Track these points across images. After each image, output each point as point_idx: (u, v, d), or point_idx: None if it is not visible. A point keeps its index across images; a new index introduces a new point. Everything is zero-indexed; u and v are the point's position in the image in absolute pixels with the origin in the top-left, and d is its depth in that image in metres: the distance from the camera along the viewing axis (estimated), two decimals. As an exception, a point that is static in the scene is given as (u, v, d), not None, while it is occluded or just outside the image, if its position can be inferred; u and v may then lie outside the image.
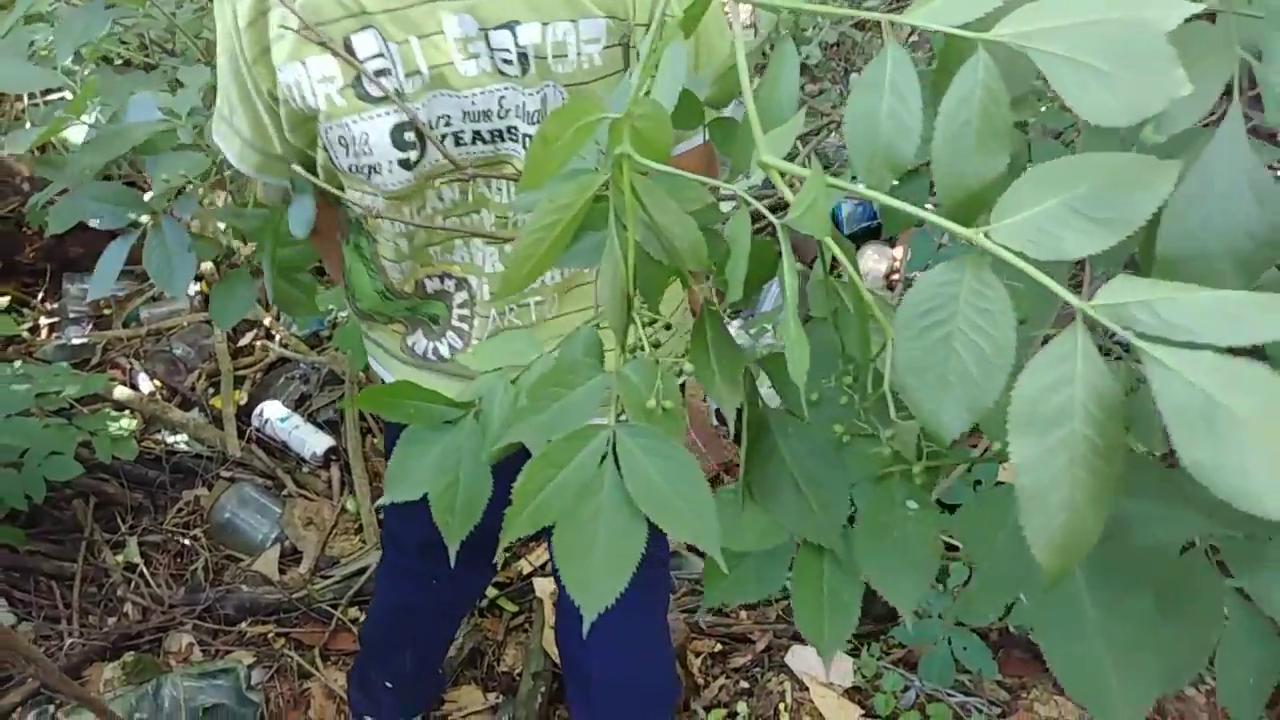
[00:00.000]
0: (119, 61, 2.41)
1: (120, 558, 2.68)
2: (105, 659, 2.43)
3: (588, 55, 1.23)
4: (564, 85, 1.24)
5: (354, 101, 1.23)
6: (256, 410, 2.99)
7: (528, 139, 1.26)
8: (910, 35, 3.61)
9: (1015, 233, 0.57)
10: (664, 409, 0.70)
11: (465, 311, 1.47)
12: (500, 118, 1.27)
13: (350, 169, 1.30)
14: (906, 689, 2.20)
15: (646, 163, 0.69)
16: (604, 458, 0.68)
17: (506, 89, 1.25)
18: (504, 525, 0.68)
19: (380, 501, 0.87)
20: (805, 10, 0.69)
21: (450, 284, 1.46)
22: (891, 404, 0.64)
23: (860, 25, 4.06)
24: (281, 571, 2.65)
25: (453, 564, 0.88)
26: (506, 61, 1.23)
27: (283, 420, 2.94)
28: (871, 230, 3.34)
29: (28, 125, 2.87)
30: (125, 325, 3.28)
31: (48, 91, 2.82)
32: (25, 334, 3.21)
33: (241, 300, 1.75)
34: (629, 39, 1.24)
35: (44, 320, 3.32)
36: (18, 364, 2.63)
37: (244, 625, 2.51)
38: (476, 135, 1.28)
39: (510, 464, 0.78)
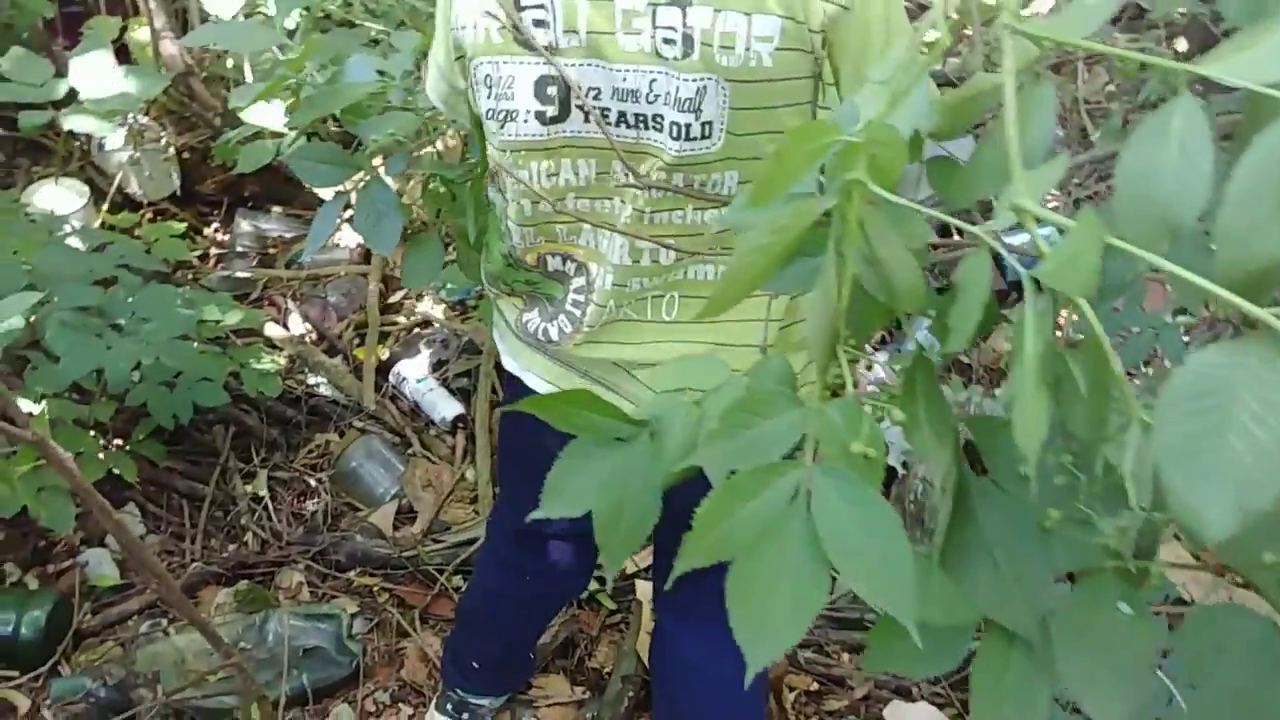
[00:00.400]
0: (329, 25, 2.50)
1: (249, 488, 2.78)
2: (221, 583, 2.53)
3: (756, 53, 1.19)
4: (727, 80, 1.20)
5: (509, 43, 1.25)
6: (395, 368, 3.07)
7: (675, 128, 1.24)
8: (1105, 85, 3.50)
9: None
10: (866, 456, 0.67)
11: (580, 298, 1.45)
12: (649, 102, 1.24)
13: (489, 113, 1.31)
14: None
15: (878, 191, 0.66)
16: (794, 496, 0.65)
17: (661, 72, 1.22)
18: (681, 552, 0.66)
19: (534, 515, 0.85)
20: (1085, 47, 0.67)
21: (571, 266, 1.45)
22: (1134, 493, 0.58)
23: (1055, 68, 3.92)
24: (395, 528, 2.71)
25: (609, 584, 0.85)
26: (668, 41, 1.20)
27: (419, 381, 3.02)
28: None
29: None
30: (287, 266, 3.40)
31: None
32: (195, 261, 3.35)
33: (432, 261, 1.81)
34: (812, 48, 1.21)
35: (214, 251, 3.46)
36: (185, 289, 2.74)
37: (353, 574, 2.58)
38: (622, 116, 1.26)
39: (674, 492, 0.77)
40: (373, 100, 1.84)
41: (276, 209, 3.56)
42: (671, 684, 1.89)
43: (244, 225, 3.43)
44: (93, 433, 2.53)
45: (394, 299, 3.33)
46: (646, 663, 2.27)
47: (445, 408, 2.96)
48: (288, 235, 3.48)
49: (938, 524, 0.69)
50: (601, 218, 1.37)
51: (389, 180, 1.72)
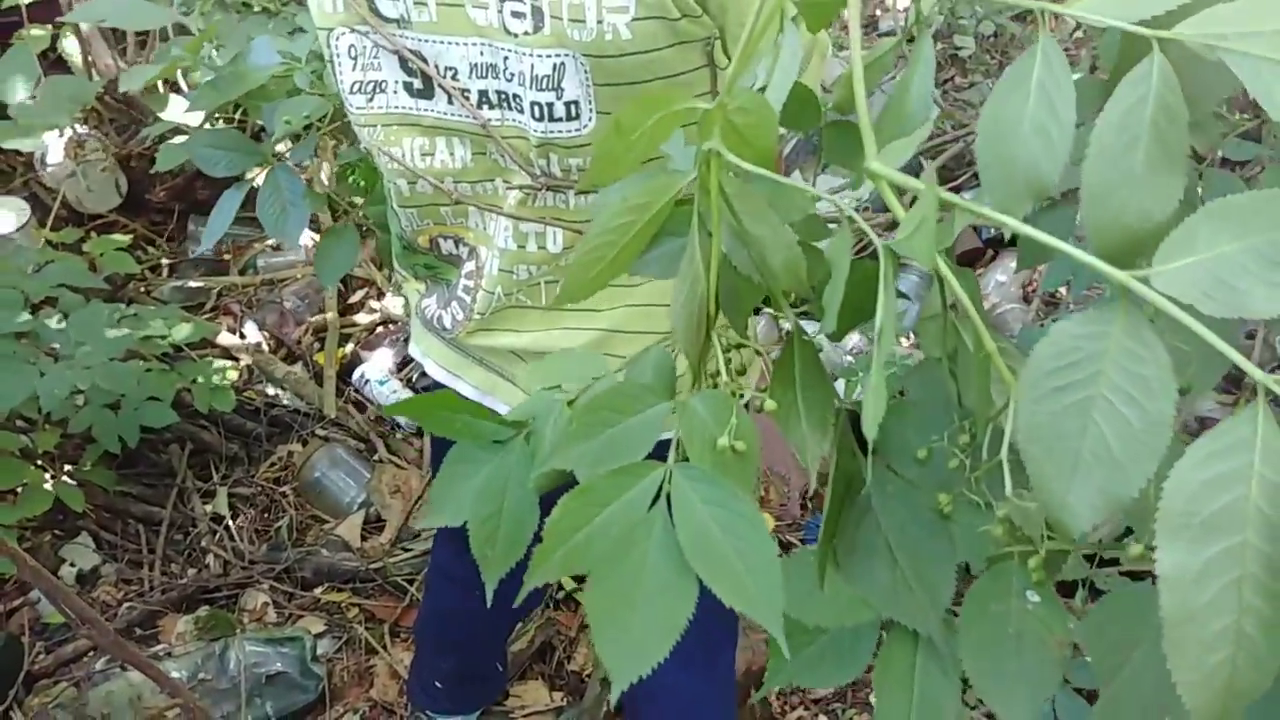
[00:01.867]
0: (237, 5, 2.39)
1: (209, 508, 2.67)
2: (182, 610, 2.42)
3: (611, 25, 1.08)
4: (584, 55, 1.10)
5: (369, 13, 1.17)
6: (358, 371, 2.96)
7: (536, 108, 1.14)
8: (1074, 32, 3.41)
9: (1185, 281, 0.45)
10: (735, 450, 0.59)
11: (470, 283, 1.38)
12: (506, 80, 1.15)
13: (355, 86, 1.24)
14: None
15: (743, 165, 0.59)
16: (655, 500, 0.57)
17: (511, 50, 1.13)
18: (530, 565, 0.59)
19: (420, 524, 0.78)
20: None
21: (463, 250, 1.38)
22: (1009, 475, 0.52)
23: (1021, 17, 3.85)
24: (364, 538, 2.60)
25: (489, 603, 0.79)
26: (516, 15, 1.10)
27: (382, 383, 2.90)
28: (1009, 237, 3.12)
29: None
30: (242, 273, 3.28)
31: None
32: (146, 273, 3.23)
33: (345, 255, 1.69)
34: (673, 17, 1.09)
35: (165, 261, 3.34)
36: (124, 305, 2.63)
37: (319, 591, 2.48)
38: (483, 96, 1.18)
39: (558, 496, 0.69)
40: (277, 84, 1.73)
41: (229, 216, 3.43)
42: (634, 703, 1.77)
43: (196, 232, 3.31)
44: (39, 463, 2.43)
45: (354, 299, 3.21)
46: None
47: (410, 409, 2.85)
48: (242, 241, 3.36)
49: (822, 519, 0.58)
50: (484, 201, 1.28)
51: (294, 168, 1.61)
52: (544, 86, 1.13)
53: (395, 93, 1.22)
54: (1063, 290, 2.86)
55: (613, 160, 0.63)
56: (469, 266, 1.37)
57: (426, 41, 1.17)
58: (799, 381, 0.61)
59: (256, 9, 2.07)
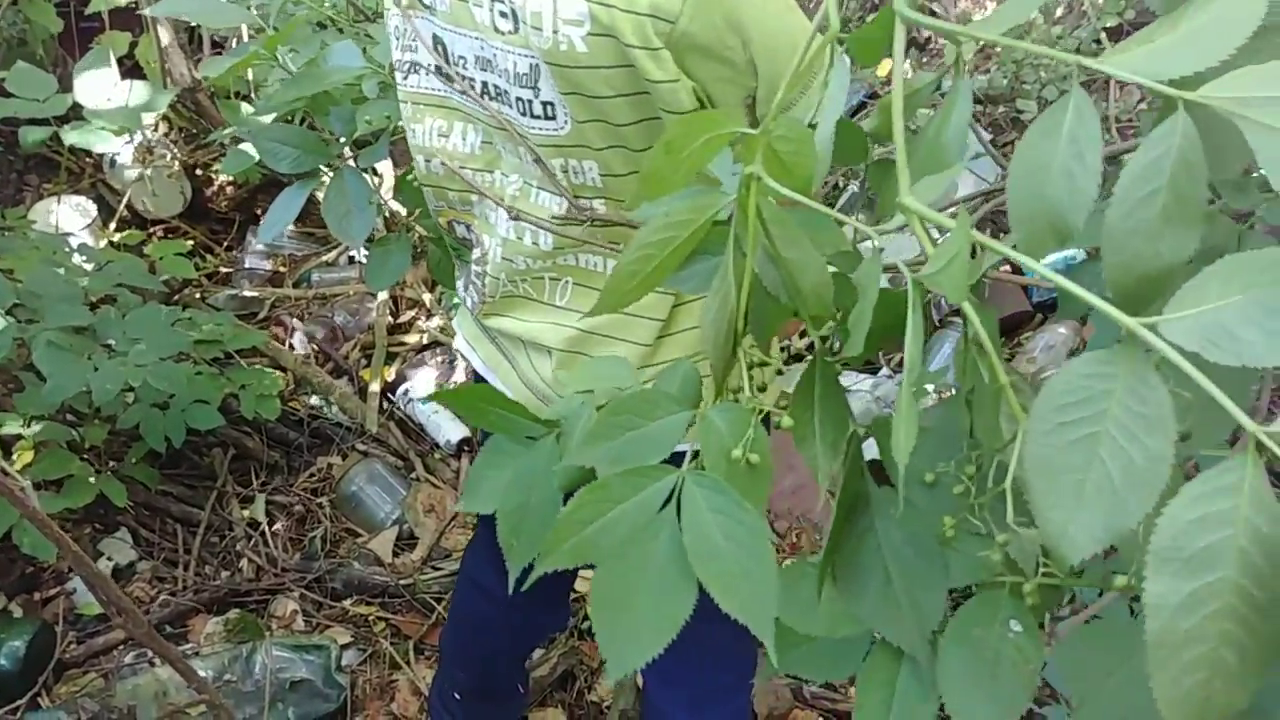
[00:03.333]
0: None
1: (246, 513, 2.71)
2: (212, 611, 2.46)
3: (566, 36, 1.12)
4: (545, 62, 1.15)
5: None
6: (401, 389, 3.00)
7: (520, 104, 1.21)
8: (1138, 103, 3.39)
9: (1191, 329, 0.47)
10: (749, 463, 0.62)
11: (479, 269, 1.45)
12: (498, 75, 1.22)
13: (397, 64, 1.35)
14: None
15: (783, 190, 0.61)
16: (666, 503, 0.60)
17: (498, 48, 1.19)
18: (541, 551, 0.61)
19: (454, 508, 0.82)
20: (983, 38, 0.60)
21: (472, 235, 1.45)
22: (1011, 504, 0.54)
23: (1086, 85, 3.84)
24: (395, 554, 2.63)
25: (510, 590, 0.81)
26: (503, 15, 1.16)
27: (424, 403, 2.94)
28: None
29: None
30: (296, 285, 3.34)
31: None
32: (203, 279, 3.30)
33: (397, 264, 1.72)
34: (626, 42, 1.11)
35: (224, 269, 3.41)
36: (182, 309, 2.69)
37: (348, 602, 2.50)
38: (485, 88, 1.25)
39: None
40: (343, 92, 1.77)
41: (288, 227, 3.50)
42: None
43: (254, 244, 3.38)
44: (85, 456, 2.48)
45: (403, 319, 3.26)
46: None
47: (450, 430, 2.88)
48: (298, 255, 3.43)
49: (827, 535, 0.60)
50: (487, 191, 1.34)
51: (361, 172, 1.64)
52: (524, 84, 1.19)
53: (427, 74, 1.31)
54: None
55: (660, 178, 0.65)
56: (477, 252, 1.45)
57: (446, 30, 1.24)
58: (818, 401, 0.64)
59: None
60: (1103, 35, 3.96)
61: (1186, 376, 0.47)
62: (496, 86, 1.23)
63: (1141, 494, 0.47)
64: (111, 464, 2.57)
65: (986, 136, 2.90)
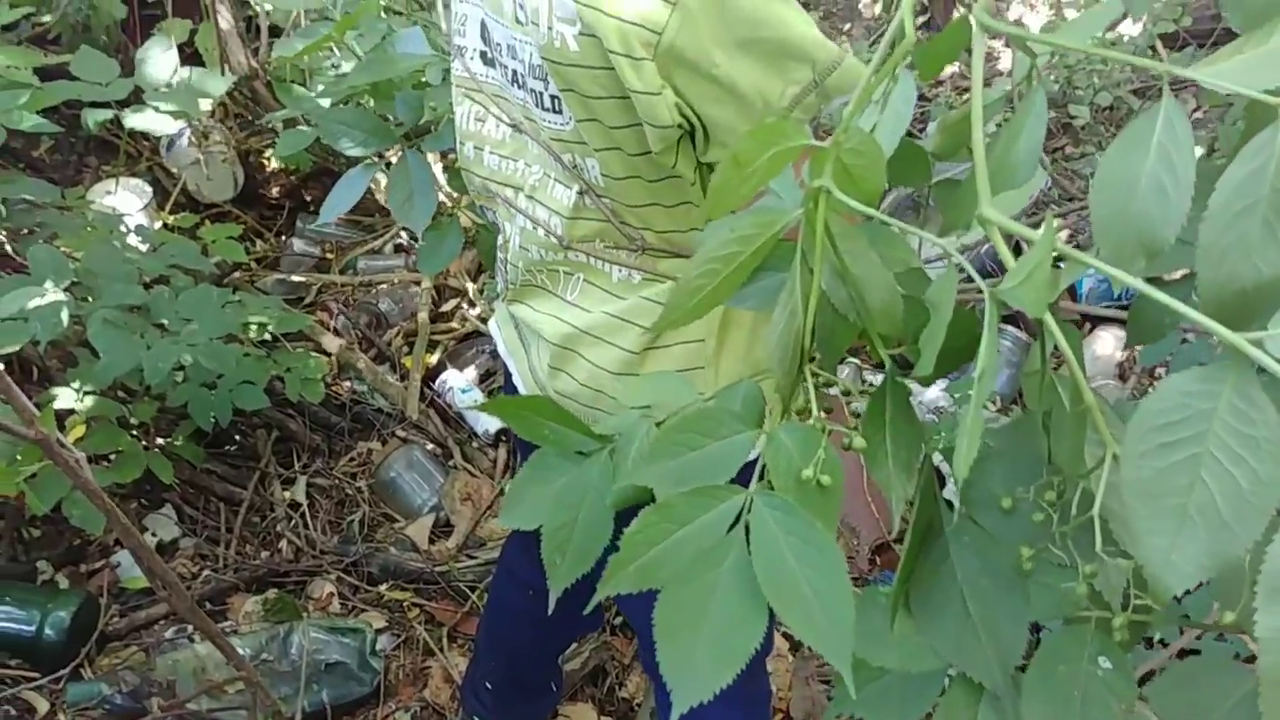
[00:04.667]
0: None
1: (288, 494, 2.74)
2: (252, 590, 2.49)
3: (560, 34, 1.13)
4: (543, 59, 1.17)
5: None
6: (441, 377, 3.02)
7: (534, 95, 1.24)
8: (1193, 113, 3.36)
9: (1299, 347, 0.45)
10: (820, 484, 0.61)
11: (502, 255, 1.47)
12: (521, 65, 1.24)
13: (450, 46, 1.39)
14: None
15: (852, 204, 0.60)
16: (733, 525, 0.59)
17: (519, 38, 1.22)
18: (605, 574, 0.61)
19: (496, 522, 0.80)
20: (1062, 46, 0.60)
21: (498, 221, 1.48)
22: (1099, 533, 0.52)
23: (1139, 92, 3.81)
24: (431, 541, 2.65)
25: (551, 609, 0.81)
26: (520, 7, 1.19)
27: (464, 391, 2.96)
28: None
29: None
30: (342, 272, 3.37)
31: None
32: (253, 264, 3.34)
33: (450, 248, 1.74)
34: (609, 47, 1.12)
35: (272, 255, 3.44)
36: (232, 291, 2.72)
37: (384, 588, 2.53)
38: (515, 76, 1.27)
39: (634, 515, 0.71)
40: (406, 80, 1.78)
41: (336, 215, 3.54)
42: None
43: (304, 230, 3.42)
44: (134, 433, 2.51)
45: (446, 307, 3.28)
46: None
47: (488, 420, 2.90)
48: (346, 242, 3.45)
49: (900, 562, 0.60)
50: (508, 179, 1.38)
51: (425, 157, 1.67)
52: (537, 76, 1.22)
53: (473, 59, 1.34)
54: (1160, 370, 2.83)
55: (728, 192, 0.64)
56: (501, 239, 1.47)
57: (489, 16, 1.27)
58: (889, 422, 0.63)
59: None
60: (1158, 42, 3.92)
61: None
62: (521, 76, 1.25)
63: (1249, 520, 0.45)
64: (159, 441, 2.61)
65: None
